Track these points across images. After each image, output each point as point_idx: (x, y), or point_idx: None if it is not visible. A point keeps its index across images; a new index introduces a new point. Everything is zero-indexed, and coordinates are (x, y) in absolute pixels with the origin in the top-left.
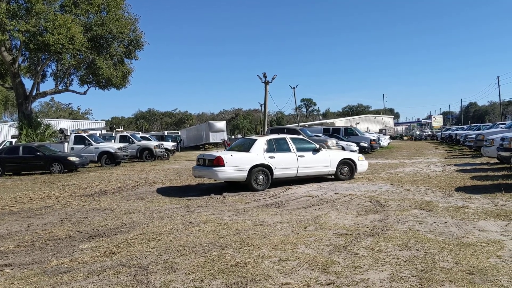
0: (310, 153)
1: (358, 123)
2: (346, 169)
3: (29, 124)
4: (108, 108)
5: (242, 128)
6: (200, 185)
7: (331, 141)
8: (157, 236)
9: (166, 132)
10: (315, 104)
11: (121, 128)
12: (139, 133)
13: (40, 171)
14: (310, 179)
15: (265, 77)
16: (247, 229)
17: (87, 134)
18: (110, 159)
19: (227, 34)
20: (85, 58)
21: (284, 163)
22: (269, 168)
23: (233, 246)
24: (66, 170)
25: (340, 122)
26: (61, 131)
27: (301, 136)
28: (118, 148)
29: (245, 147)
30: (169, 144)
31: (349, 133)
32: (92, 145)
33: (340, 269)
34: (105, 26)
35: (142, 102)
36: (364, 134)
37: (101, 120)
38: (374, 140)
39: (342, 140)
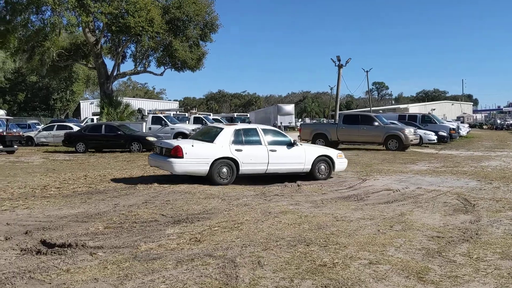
0: (283, 147)
1: (434, 109)
2: (323, 167)
3: (110, 103)
4: (181, 89)
5: (310, 111)
6: None
7: (409, 130)
8: (239, 225)
9: (235, 114)
10: (387, 88)
11: (195, 110)
12: (210, 115)
13: (120, 149)
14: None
15: (339, 60)
16: (329, 225)
17: (163, 115)
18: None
19: (297, 19)
20: (163, 40)
21: (253, 158)
22: (235, 162)
23: (317, 243)
24: (144, 150)
25: (414, 108)
26: (139, 111)
27: (273, 128)
28: (192, 130)
29: (210, 136)
30: None
31: (426, 121)
32: (168, 126)
33: (438, 278)
34: (182, 9)
35: (212, 83)
36: (442, 122)
37: (174, 100)
38: (453, 129)
39: (420, 128)
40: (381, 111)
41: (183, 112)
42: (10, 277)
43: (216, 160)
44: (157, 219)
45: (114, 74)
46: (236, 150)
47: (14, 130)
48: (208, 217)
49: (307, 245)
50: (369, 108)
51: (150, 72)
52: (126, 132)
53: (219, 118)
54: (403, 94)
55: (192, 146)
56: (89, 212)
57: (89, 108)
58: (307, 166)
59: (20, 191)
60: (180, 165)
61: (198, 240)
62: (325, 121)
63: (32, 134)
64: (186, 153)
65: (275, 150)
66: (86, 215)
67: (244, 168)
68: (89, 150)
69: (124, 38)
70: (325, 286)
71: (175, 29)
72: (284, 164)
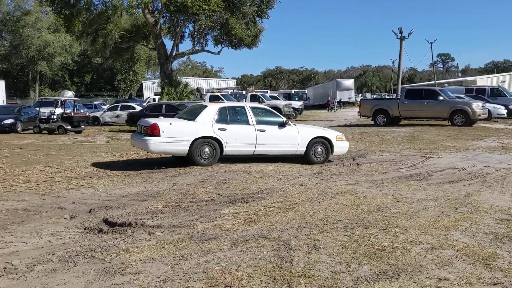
0: (274, 127)
1: (504, 81)
2: (320, 149)
3: (170, 83)
4: (238, 66)
5: (371, 86)
6: None
7: (476, 104)
8: (294, 206)
9: (293, 90)
10: (453, 60)
11: (252, 87)
12: (267, 92)
13: None
14: None
15: (401, 32)
16: (389, 206)
17: (221, 93)
18: None
19: None
20: (220, 18)
21: (238, 138)
22: (218, 142)
23: (376, 225)
24: None
25: (482, 80)
26: (198, 90)
27: (264, 106)
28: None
29: (192, 114)
30: (296, 103)
31: (495, 94)
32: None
33: (507, 265)
34: None
35: (270, 60)
36: None
37: (232, 78)
38: None
39: (488, 102)
40: (446, 85)
41: (240, 90)
42: (73, 255)
43: (196, 139)
44: (213, 198)
45: (173, 54)
46: (219, 129)
47: (81, 111)
48: (264, 197)
49: (366, 228)
50: (433, 82)
51: (208, 51)
52: None
53: (276, 95)
54: (470, 65)
55: (170, 124)
56: (149, 191)
57: (151, 88)
58: (301, 148)
59: (86, 170)
60: (156, 144)
61: (253, 221)
62: (386, 96)
63: (98, 114)
64: (163, 132)
65: (263, 130)
66: (146, 194)
67: (229, 149)
68: None
69: (182, 18)
70: (384, 272)
71: (231, 7)
72: (274, 146)
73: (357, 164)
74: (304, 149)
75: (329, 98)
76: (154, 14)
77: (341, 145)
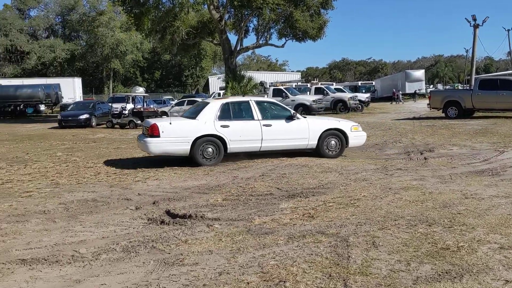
0: (281, 121)
1: None
2: (333, 142)
3: (234, 77)
4: (303, 59)
5: (443, 76)
6: (398, 142)
7: None
8: (355, 202)
9: (359, 82)
10: None
11: (316, 80)
12: (333, 84)
13: None
14: None
15: (474, 20)
16: (456, 203)
17: (284, 86)
18: (305, 111)
19: None
20: (283, 11)
21: (243, 134)
22: (221, 140)
23: (441, 223)
24: None
25: None
26: (261, 83)
27: (270, 100)
28: (313, 101)
29: (194, 112)
30: (363, 96)
31: None
32: (288, 98)
33: None
34: None
35: (336, 52)
36: None
37: (297, 71)
38: None
39: None
40: None
41: (305, 83)
42: (136, 245)
43: (198, 138)
44: (272, 192)
45: (238, 49)
46: (222, 126)
47: (151, 106)
48: (324, 192)
49: (429, 225)
50: (510, 71)
51: (272, 45)
52: None
53: (341, 87)
54: None
55: (170, 123)
56: (210, 184)
57: (216, 83)
58: (312, 142)
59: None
60: (156, 145)
61: (311, 216)
62: (460, 87)
63: (166, 109)
64: (162, 132)
65: (269, 125)
66: (207, 187)
67: (233, 146)
68: None
69: (246, 12)
70: (446, 272)
71: (295, 0)
72: (282, 141)
73: (425, 159)
74: (316, 142)
75: (394, 90)
76: (219, 9)
77: (357, 136)
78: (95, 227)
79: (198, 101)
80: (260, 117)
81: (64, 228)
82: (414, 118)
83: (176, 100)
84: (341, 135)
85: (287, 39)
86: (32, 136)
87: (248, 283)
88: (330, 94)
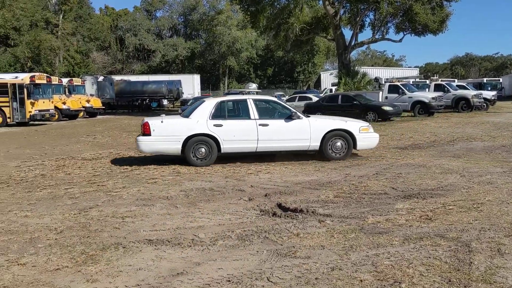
0: (279, 121)
1: None
2: (339, 144)
3: (347, 73)
4: (422, 54)
5: None
6: None
7: None
8: (478, 206)
9: (485, 79)
10: None
11: (436, 76)
12: (454, 81)
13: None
14: None
15: None
16: None
17: (401, 83)
18: (423, 109)
19: None
20: (402, 5)
21: (237, 134)
22: (214, 139)
23: None
24: (380, 119)
25: None
26: (376, 79)
27: (270, 98)
28: (432, 98)
29: (190, 111)
30: (488, 93)
31: None
32: (405, 94)
33: None
34: None
35: (458, 46)
36: None
37: (414, 67)
38: None
39: None
40: None
41: (423, 79)
42: (249, 234)
43: (189, 137)
44: (387, 192)
45: (352, 44)
46: (214, 125)
47: None
48: (443, 194)
49: None
50: None
51: (388, 39)
52: (362, 101)
53: (464, 84)
54: None
55: (162, 122)
56: (321, 180)
57: (328, 79)
58: (314, 143)
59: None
60: (146, 144)
61: (429, 218)
62: None
63: None
64: (153, 130)
65: (266, 125)
66: (318, 183)
67: (227, 146)
68: None
69: (362, 6)
70: None
71: None
72: (280, 141)
73: None
74: (319, 143)
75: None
76: (334, 5)
77: (366, 138)
78: (212, 214)
79: (309, 97)
80: (257, 116)
81: (185, 213)
82: None
83: (287, 96)
84: (348, 137)
85: (405, 33)
86: None
87: (361, 280)
88: (451, 91)
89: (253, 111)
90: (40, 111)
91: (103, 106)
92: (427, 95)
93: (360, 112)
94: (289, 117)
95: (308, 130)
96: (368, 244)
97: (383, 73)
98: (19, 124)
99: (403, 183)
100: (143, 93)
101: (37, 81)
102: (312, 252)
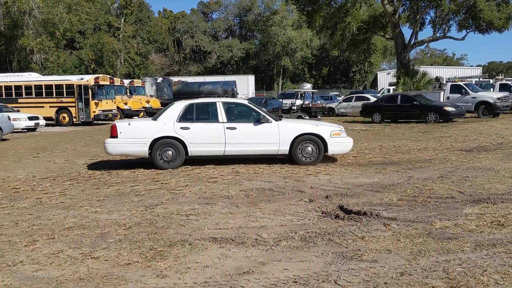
0: (247, 125)
1: None
2: (310, 148)
3: (406, 72)
4: (485, 53)
5: None
6: None
7: None
8: None
9: None
10: None
11: (501, 76)
12: None
13: (415, 120)
14: None
15: None
16: None
17: (463, 82)
18: (488, 109)
19: None
20: (465, 1)
21: (204, 137)
22: (182, 142)
23: None
24: (441, 120)
25: None
26: (437, 79)
27: (242, 101)
28: (498, 98)
29: (159, 113)
30: None
31: None
32: (469, 95)
33: None
34: None
35: None
36: None
37: (476, 66)
38: None
39: None
40: None
41: (487, 78)
42: (313, 236)
43: (155, 140)
44: (453, 196)
45: (412, 42)
46: (181, 128)
47: (318, 102)
48: None
49: None
50: None
51: (450, 37)
52: (422, 102)
53: None
54: None
55: (129, 124)
56: (383, 183)
57: (385, 79)
58: (283, 148)
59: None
60: (113, 146)
61: (501, 224)
62: None
63: (333, 105)
64: (120, 132)
65: (234, 128)
66: (381, 185)
67: (194, 149)
68: (384, 120)
69: (423, 4)
70: None
71: None
72: (248, 145)
73: None
74: (288, 147)
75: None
76: (393, 3)
77: (337, 143)
78: (273, 214)
79: (366, 97)
80: (225, 120)
81: (246, 213)
82: None
83: (343, 96)
84: (318, 141)
85: (468, 31)
86: None
87: (433, 287)
88: None
89: (221, 114)
90: (103, 111)
91: (162, 106)
92: (492, 95)
93: (420, 113)
94: (258, 120)
95: (277, 134)
96: (437, 250)
97: (443, 72)
98: (83, 124)
99: (471, 187)
100: (199, 94)
101: (101, 82)
102: (379, 256)
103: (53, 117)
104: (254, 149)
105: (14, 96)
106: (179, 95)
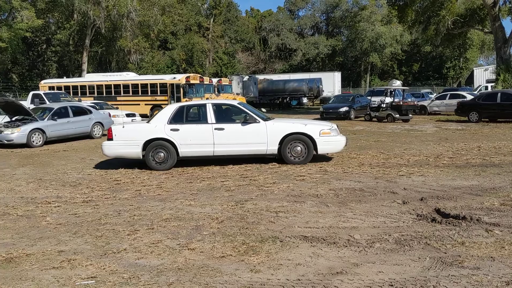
0: (235, 125)
1: None
2: (299, 148)
3: (507, 69)
4: None
5: None
6: None
7: None
8: None
9: None
10: None
11: None
12: None
13: None
14: None
15: None
16: None
17: None
18: None
19: None
20: None
21: (193, 138)
22: (172, 144)
23: None
24: None
25: None
26: None
27: (230, 102)
28: None
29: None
30: None
31: None
32: None
33: None
34: None
35: None
36: None
37: None
38: None
39: None
40: None
41: None
42: (408, 239)
43: (148, 141)
44: None
45: None
46: (172, 129)
47: (409, 100)
48: None
49: None
50: None
51: None
52: None
53: None
54: None
55: (123, 127)
56: (483, 186)
57: (483, 75)
58: (271, 147)
59: (415, 158)
60: (109, 148)
61: None
62: None
63: (425, 103)
64: (115, 135)
65: (222, 129)
66: (480, 188)
67: (184, 150)
68: (482, 119)
69: None
70: None
71: None
72: (236, 145)
73: None
74: (276, 147)
75: None
76: None
77: (327, 142)
78: (365, 215)
79: (462, 95)
80: (214, 121)
81: (336, 212)
82: None
83: (435, 94)
84: (308, 140)
85: None
86: None
87: None
88: None
89: (210, 115)
90: None
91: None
92: None
93: None
94: (245, 121)
95: (265, 134)
96: None
97: None
98: None
99: None
100: (284, 92)
101: (192, 81)
102: (481, 263)
103: (148, 114)
104: (242, 149)
105: (113, 94)
106: (264, 93)
